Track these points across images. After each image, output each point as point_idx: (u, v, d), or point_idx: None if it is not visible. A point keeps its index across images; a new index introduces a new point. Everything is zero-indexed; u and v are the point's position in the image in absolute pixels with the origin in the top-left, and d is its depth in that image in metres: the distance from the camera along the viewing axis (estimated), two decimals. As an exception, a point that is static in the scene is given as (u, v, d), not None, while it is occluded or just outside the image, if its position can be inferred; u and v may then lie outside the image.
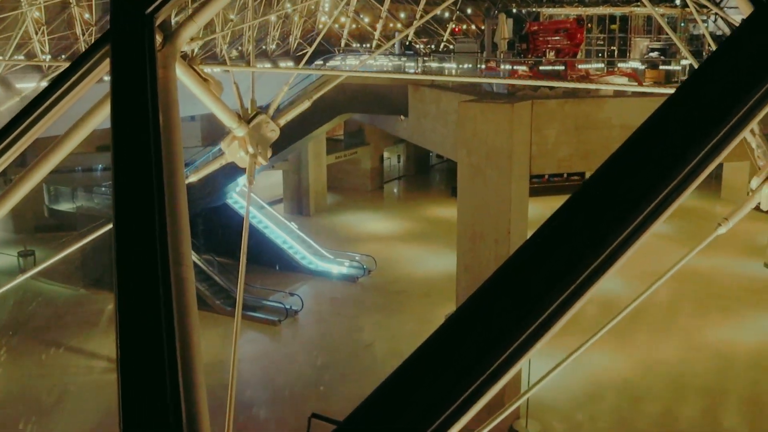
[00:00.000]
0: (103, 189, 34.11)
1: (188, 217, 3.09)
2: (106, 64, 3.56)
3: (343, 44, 50.42)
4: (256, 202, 34.11)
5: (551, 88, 30.69)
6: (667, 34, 40.10)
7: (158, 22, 3.49)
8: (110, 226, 3.02)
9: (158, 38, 3.47)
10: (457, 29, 52.46)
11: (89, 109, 3.73)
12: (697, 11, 36.15)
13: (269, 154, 4.31)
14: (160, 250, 2.60)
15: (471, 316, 2.19)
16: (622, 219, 2.39)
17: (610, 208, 2.45)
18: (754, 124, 2.62)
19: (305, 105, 4.68)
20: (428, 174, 54.26)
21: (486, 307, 2.21)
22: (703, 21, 37.84)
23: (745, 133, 2.62)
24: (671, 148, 2.50)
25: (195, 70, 3.81)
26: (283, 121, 4.42)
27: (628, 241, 2.38)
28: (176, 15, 3.88)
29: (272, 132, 4.31)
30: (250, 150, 4.17)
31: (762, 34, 2.48)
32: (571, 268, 2.23)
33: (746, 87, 2.40)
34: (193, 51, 4.12)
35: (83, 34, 34.70)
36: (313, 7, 50.78)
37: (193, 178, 4.45)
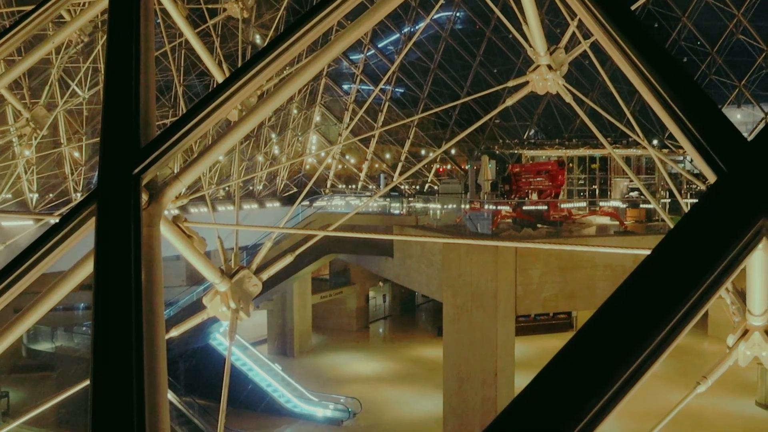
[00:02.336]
0: (84, 329, 33.63)
1: (167, 377, 3.06)
2: (91, 223, 3.62)
3: (329, 185, 51.41)
4: (239, 342, 33.70)
5: (534, 228, 31.20)
6: (647, 173, 41.25)
7: (145, 181, 3.58)
8: (87, 382, 2.98)
9: (144, 197, 3.55)
10: (441, 170, 53.66)
11: (72, 267, 3.76)
12: (674, 152, 37.25)
13: (251, 308, 4.33)
14: (137, 419, 2.57)
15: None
16: (607, 377, 2.42)
17: (596, 367, 2.47)
18: (728, 284, 2.68)
19: (288, 260, 4.75)
20: (414, 314, 54.03)
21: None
22: (680, 161, 38.89)
23: (721, 292, 2.67)
24: (648, 311, 2.55)
25: (179, 227, 3.88)
26: (265, 276, 4.47)
27: (614, 398, 2.40)
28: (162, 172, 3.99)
29: (254, 287, 4.36)
30: (232, 305, 4.20)
31: (726, 202, 2.58)
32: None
33: (716, 253, 2.48)
34: (178, 209, 4.21)
35: (72, 173, 35.20)
36: (300, 149, 52.07)
37: (173, 333, 4.43)
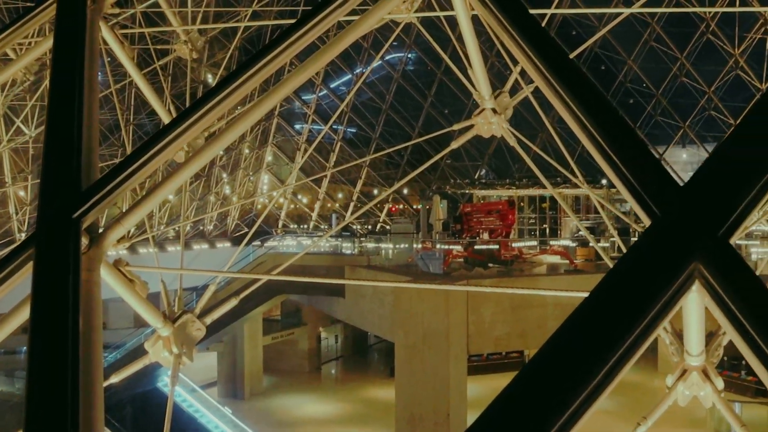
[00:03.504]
0: (28, 373, 32.60)
1: (112, 423, 2.99)
2: (29, 267, 3.55)
3: (280, 225, 51.17)
4: (188, 385, 33.07)
5: (486, 267, 31.40)
6: (596, 212, 41.87)
7: (85, 225, 3.52)
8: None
9: (84, 241, 3.49)
10: (393, 209, 53.83)
11: (11, 310, 3.67)
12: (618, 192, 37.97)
13: (194, 353, 4.25)
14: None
15: None
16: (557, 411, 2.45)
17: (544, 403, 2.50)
18: (663, 326, 2.73)
19: (232, 303, 4.70)
20: (366, 354, 53.64)
21: None
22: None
23: (657, 333, 2.73)
24: (588, 352, 2.59)
25: (121, 271, 3.82)
26: (209, 320, 4.41)
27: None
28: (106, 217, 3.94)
29: (198, 331, 4.29)
30: (175, 350, 4.13)
31: (659, 246, 2.64)
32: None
33: (651, 296, 2.54)
34: (127, 249, 4.15)
35: (17, 213, 34.49)
36: (251, 189, 51.85)
37: (114, 380, 4.34)
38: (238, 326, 38.34)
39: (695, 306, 2.81)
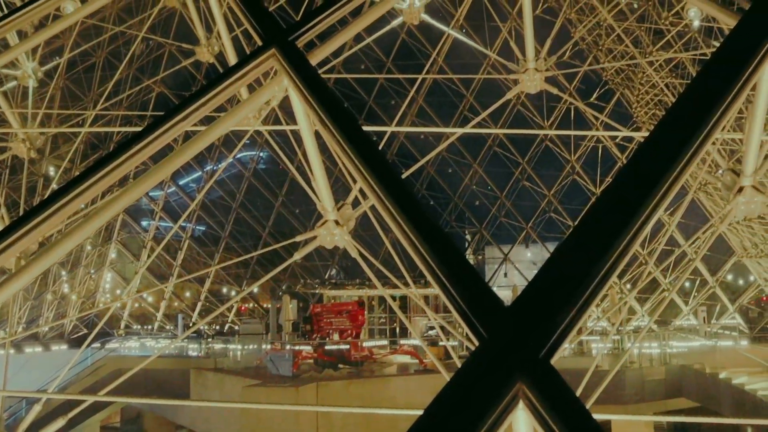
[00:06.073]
0: None
1: None
2: None
3: (123, 326, 48.94)
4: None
5: (336, 368, 31.22)
6: (446, 311, 42.68)
7: None
8: None
9: None
10: (242, 308, 52.83)
11: None
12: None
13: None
14: None
15: None
16: None
17: None
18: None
19: (59, 423, 4.44)
20: (213, 461, 51.29)
21: None
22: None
23: None
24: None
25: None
26: (33, 444, 4.12)
27: None
28: None
29: (19, 458, 4.00)
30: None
31: (485, 368, 2.76)
32: None
33: (478, 416, 2.64)
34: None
35: None
36: (92, 287, 49.53)
37: None
38: (72, 436, 35.81)
39: (523, 423, 2.93)
